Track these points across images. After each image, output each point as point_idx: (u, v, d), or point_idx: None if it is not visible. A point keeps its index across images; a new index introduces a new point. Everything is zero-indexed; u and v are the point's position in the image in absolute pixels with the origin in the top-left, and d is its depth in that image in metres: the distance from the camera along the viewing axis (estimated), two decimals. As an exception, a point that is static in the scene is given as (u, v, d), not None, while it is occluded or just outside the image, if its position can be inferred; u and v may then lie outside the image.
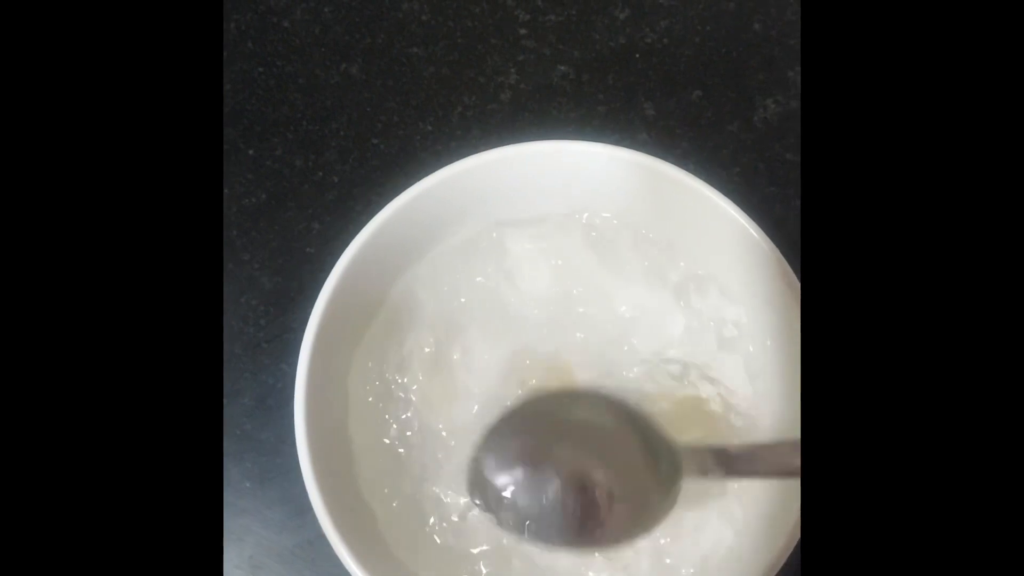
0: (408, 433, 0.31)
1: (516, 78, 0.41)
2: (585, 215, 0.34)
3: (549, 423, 0.30)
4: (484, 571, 0.30)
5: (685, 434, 0.29)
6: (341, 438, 0.31)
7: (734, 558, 0.29)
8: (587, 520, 0.28)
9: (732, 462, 0.27)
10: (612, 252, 0.33)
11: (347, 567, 0.27)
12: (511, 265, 0.33)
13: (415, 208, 0.31)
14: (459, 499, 0.30)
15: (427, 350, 0.32)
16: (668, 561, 0.30)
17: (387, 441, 0.31)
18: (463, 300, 0.33)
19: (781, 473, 0.26)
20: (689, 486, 0.28)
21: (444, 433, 0.31)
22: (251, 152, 0.39)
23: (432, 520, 0.30)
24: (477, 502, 0.29)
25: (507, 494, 0.28)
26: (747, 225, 0.30)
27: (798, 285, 0.29)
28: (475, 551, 0.30)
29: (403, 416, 0.32)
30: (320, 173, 0.39)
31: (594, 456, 0.29)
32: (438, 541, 0.30)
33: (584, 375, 0.32)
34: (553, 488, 0.28)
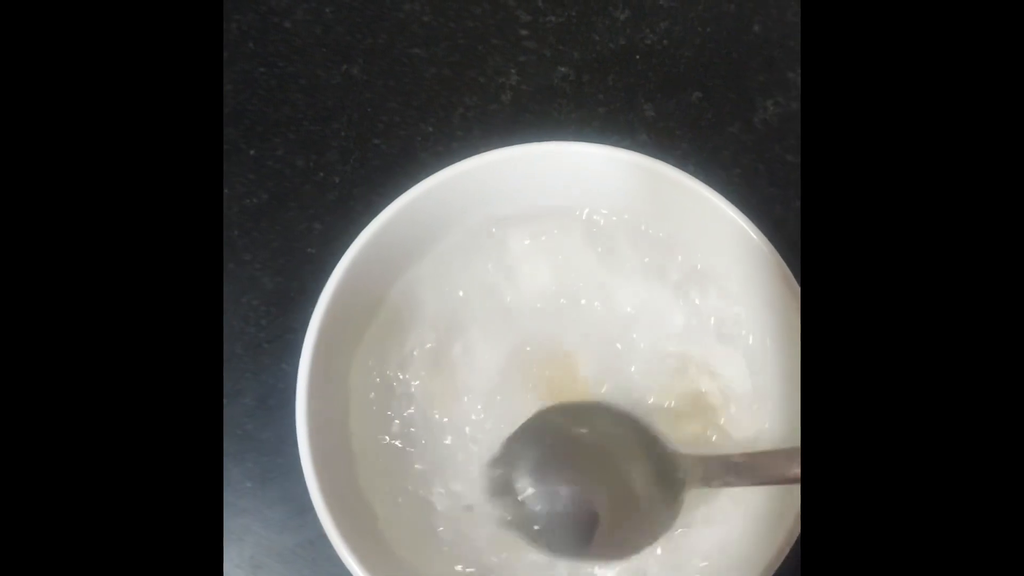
0: (410, 430, 0.31)
1: (517, 79, 0.41)
2: (585, 211, 0.34)
3: (563, 435, 0.30)
4: (487, 570, 0.30)
5: (686, 428, 0.29)
6: (342, 437, 0.31)
7: (735, 554, 0.30)
8: (596, 530, 0.28)
9: (736, 471, 0.28)
10: (612, 249, 0.33)
11: (348, 567, 0.27)
12: (511, 262, 0.33)
13: (416, 209, 0.31)
14: (461, 498, 0.31)
15: (428, 347, 0.32)
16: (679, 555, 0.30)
17: (388, 440, 0.31)
18: (464, 298, 0.33)
19: (783, 481, 0.27)
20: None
21: (446, 432, 0.31)
22: (252, 152, 0.40)
23: (434, 519, 0.31)
24: (490, 507, 0.29)
25: (521, 498, 0.28)
26: (747, 227, 0.30)
27: (798, 288, 0.29)
28: (478, 550, 0.30)
29: (405, 415, 0.32)
30: (321, 173, 0.39)
31: (606, 468, 0.29)
32: (440, 540, 0.30)
33: (585, 371, 0.32)
34: (565, 497, 0.28)
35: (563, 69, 0.41)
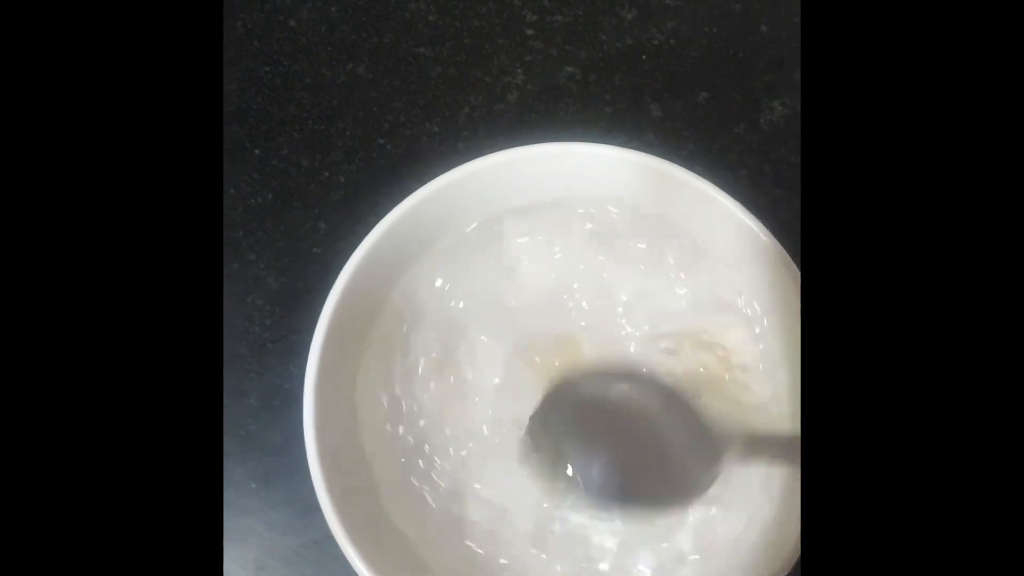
0: (419, 425, 0.31)
1: (523, 78, 0.40)
2: (591, 210, 0.34)
3: (602, 393, 0.31)
4: (498, 565, 0.30)
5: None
6: (349, 437, 0.31)
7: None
8: (633, 477, 0.30)
9: (771, 448, 0.29)
10: (617, 247, 0.33)
11: (355, 568, 0.27)
12: (513, 261, 0.33)
13: (422, 211, 0.31)
14: (465, 497, 0.31)
15: (434, 346, 0.32)
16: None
17: (396, 439, 0.31)
18: (466, 295, 0.33)
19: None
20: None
21: (453, 428, 0.31)
22: (257, 151, 0.39)
23: (442, 516, 0.31)
24: (530, 459, 0.31)
25: (564, 448, 0.30)
26: (756, 228, 0.30)
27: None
28: (488, 547, 0.30)
29: (412, 412, 0.32)
30: (326, 173, 0.39)
31: (645, 421, 0.30)
32: (448, 537, 0.30)
33: (592, 360, 0.32)
34: (606, 445, 0.30)
35: (569, 69, 0.41)
